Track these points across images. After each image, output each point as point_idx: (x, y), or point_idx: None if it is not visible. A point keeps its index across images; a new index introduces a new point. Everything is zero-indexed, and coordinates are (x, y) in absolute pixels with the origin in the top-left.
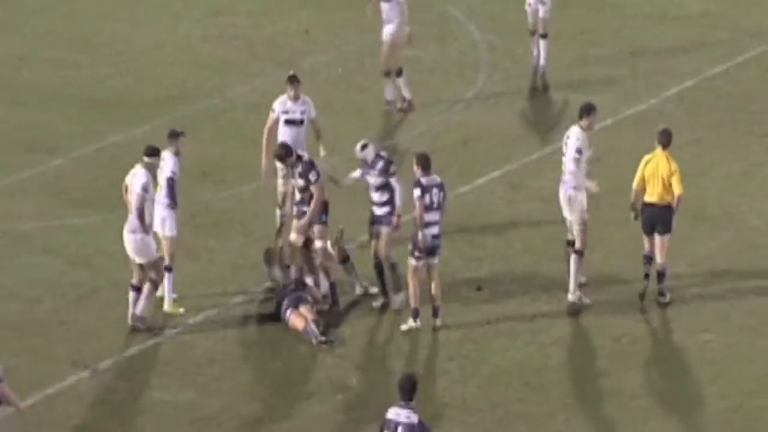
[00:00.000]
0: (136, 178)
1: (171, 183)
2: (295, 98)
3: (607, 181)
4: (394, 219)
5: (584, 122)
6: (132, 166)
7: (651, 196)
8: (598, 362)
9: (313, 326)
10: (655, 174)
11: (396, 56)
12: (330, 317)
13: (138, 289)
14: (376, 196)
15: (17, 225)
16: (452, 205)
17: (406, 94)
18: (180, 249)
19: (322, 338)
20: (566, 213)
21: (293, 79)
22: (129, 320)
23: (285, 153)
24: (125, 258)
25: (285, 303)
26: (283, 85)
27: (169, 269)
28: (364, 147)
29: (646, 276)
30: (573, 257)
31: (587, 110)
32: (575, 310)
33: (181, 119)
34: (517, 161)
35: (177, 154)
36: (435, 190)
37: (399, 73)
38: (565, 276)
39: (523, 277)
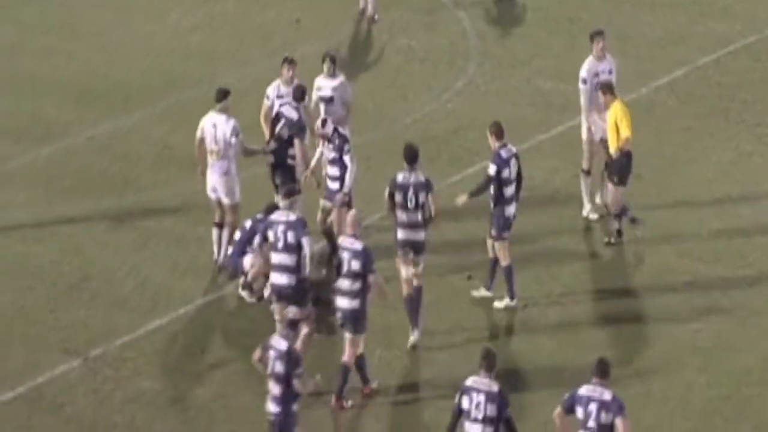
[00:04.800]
0: (219, 127)
1: None
2: (291, 82)
3: (598, 171)
4: (339, 196)
5: (595, 50)
6: (123, 154)
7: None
8: (588, 351)
9: None
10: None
11: None
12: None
13: (221, 226)
14: (329, 170)
15: (7, 214)
16: (442, 194)
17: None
18: (170, 237)
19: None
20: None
21: (290, 61)
22: (216, 256)
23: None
24: (115, 246)
25: None
26: (272, 74)
27: None
28: (324, 123)
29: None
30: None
31: (595, 35)
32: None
33: (171, 108)
34: None
35: None
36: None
37: None
38: (554, 265)
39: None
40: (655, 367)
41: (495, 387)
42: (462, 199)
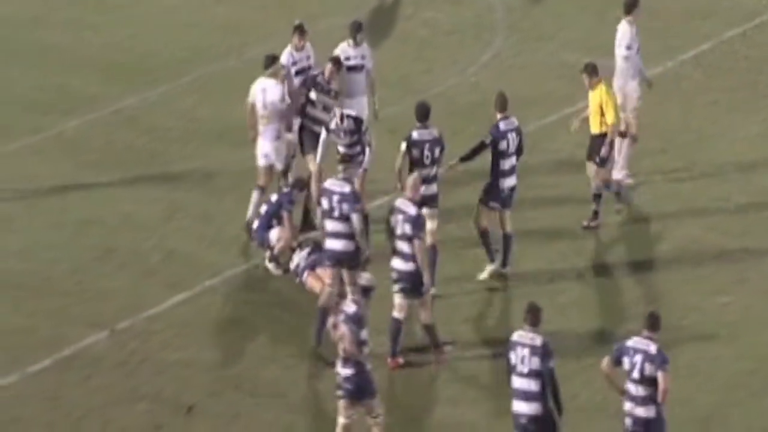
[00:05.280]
0: (268, 92)
1: None
2: (302, 48)
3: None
4: (359, 171)
5: (631, 17)
6: (150, 128)
7: None
8: (615, 324)
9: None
10: None
11: None
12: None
13: (263, 190)
14: (345, 153)
15: (33, 186)
16: (469, 168)
17: None
18: (196, 209)
19: None
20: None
21: (300, 29)
22: (249, 218)
23: None
24: (142, 218)
25: (302, 265)
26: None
27: None
28: (342, 118)
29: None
30: (626, 142)
31: (633, 4)
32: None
33: (197, 81)
34: (534, 123)
35: None
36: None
37: None
38: (579, 238)
39: (540, 239)
40: (682, 340)
41: (538, 340)
42: (452, 163)
